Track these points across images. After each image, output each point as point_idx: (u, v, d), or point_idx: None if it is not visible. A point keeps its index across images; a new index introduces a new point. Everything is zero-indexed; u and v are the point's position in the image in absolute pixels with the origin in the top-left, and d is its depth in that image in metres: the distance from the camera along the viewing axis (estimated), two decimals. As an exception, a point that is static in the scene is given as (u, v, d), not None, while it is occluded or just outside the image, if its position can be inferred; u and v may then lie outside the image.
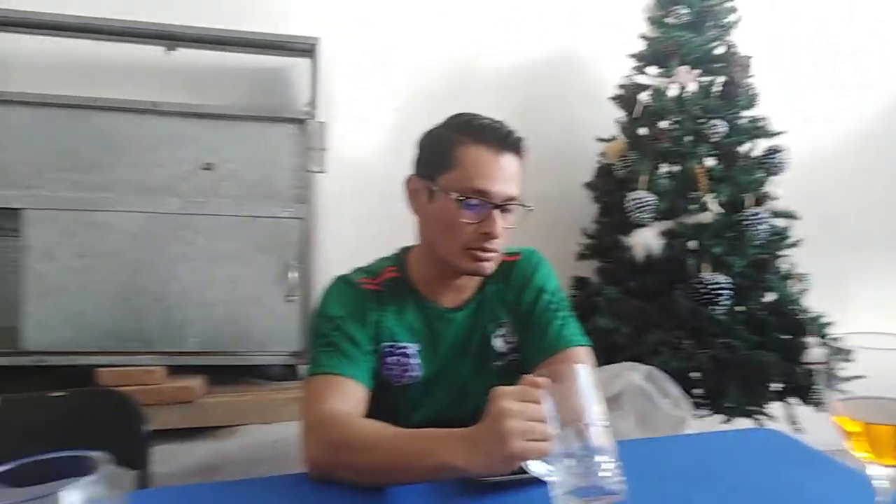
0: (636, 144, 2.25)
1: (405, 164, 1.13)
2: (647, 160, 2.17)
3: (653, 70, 2.32)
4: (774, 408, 2.11)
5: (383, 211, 1.75)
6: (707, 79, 2.25)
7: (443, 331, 1.12)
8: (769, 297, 2.16)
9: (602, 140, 2.40)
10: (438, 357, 1.11)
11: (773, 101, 2.33)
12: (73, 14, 1.96)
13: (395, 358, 1.08)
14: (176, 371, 1.92)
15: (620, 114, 2.38)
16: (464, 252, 1.05)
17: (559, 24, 2.59)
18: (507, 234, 1.07)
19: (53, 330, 1.87)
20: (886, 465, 0.59)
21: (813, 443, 1.01)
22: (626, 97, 2.35)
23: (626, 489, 0.62)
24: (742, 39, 2.31)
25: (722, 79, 2.26)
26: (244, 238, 1.98)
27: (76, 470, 0.42)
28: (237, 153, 2.00)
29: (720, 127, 2.17)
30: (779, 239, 2.19)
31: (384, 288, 1.11)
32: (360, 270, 1.14)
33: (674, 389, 1.75)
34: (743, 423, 2.06)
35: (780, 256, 2.20)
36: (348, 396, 0.98)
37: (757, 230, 2.09)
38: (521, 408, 0.70)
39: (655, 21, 2.31)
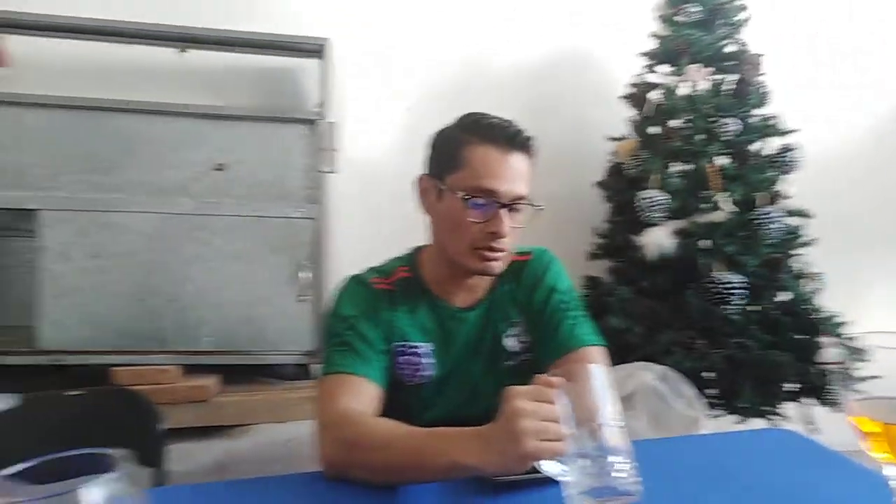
0: (647, 143, 2.24)
1: (416, 163, 1.13)
2: (659, 159, 2.16)
3: (664, 68, 2.31)
4: (789, 408, 2.10)
5: (394, 211, 1.76)
6: (718, 77, 2.24)
7: (455, 330, 1.12)
8: (783, 296, 2.14)
9: (613, 139, 2.40)
10: (451, 356, 1.11)
11: (785, 99, 2.31)
12: (87, 17, 1.99)
13: (407, 357, 1.09)
14: (190, 370, 1.94)
15: (631, 112, 2.38)
16: (471, 251, 1.05)
17: (570, 24, 2.59)
18: (517, 234, 1.07)
19: (69, 330, 1.89)
20: (904, 466, 0.59)
21: (828, 443, 1.00)
22: (637, 96, 2.35)
23: (642, 489, 0.62)
24: (753, 37, 2.30)
25: (733, 77, 2.25)
26: (256, 238, 2.00)
27: (96, 467, 0.42)
28: (249, 154, 2.01)
29: (732, 125, 2.16)
30: (792, 238, 2.17)
31: (396, 288, 1.12)
32: (372, 270, 1.15)
33: (687, 389, 1.74)
34: (757, 424, 2.04)
35: (793, 255, 2.18)
36: (362, 395, 0.98)
37: (770, 229, 2.07)
38: (535, 407, 0.70)
39: (666, 19, 2.30)
